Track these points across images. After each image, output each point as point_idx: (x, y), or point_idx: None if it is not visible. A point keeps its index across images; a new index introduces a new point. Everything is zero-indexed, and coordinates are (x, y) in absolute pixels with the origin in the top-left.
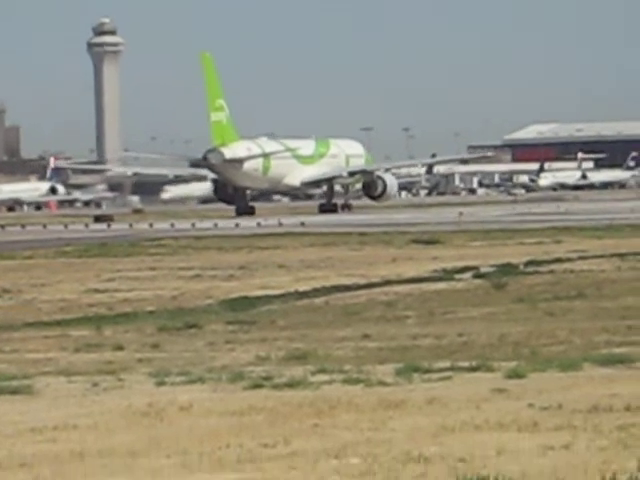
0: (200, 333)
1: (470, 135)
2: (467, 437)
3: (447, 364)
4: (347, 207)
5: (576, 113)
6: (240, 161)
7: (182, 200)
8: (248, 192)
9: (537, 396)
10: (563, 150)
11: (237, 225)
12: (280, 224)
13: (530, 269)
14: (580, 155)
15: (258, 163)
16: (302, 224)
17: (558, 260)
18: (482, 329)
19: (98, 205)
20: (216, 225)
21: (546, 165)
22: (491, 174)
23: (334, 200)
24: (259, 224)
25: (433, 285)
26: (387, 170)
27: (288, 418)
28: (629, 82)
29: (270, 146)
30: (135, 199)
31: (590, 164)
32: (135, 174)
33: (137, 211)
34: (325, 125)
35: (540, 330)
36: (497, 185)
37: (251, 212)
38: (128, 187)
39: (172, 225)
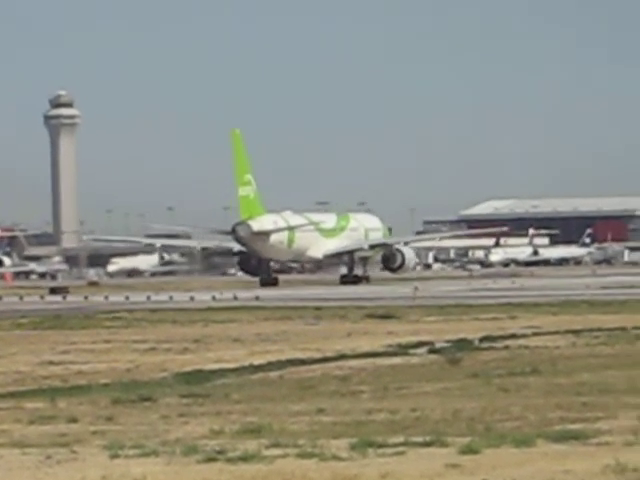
0: (154, 406)
1: (426, 210)
2: None
3: (401, 439)
4: (365, 279)
5: (532, 190)
6: (267, 234)
7: (128, 273)
8: (271, 264)
9: (491, 472)
10: (519, 226)
11: (192, 298)
12: (235, 298)
13: (485, 345)
14: (531, 231)
15: (284, 236)
16: (257, 298)
17: (513, 336)
18: (436, 404)
19: (53, 277)
20: (171, 298)
21: (502, 241)
22: (446, 249)
23: (356, 272)
24: (214, 297)
25: (388, 360)
26: (406, 244)
27: None
28: (586, 159)
29: (295, 219)
30: (91, 271)
31: (546, 240)
32: (164, 246)
33: (92, 283)
34: (281, 199)
35: (494, 406)
36: (452, 260)
37: (274, 283)
38: (83, 259)
39: (127, 298)
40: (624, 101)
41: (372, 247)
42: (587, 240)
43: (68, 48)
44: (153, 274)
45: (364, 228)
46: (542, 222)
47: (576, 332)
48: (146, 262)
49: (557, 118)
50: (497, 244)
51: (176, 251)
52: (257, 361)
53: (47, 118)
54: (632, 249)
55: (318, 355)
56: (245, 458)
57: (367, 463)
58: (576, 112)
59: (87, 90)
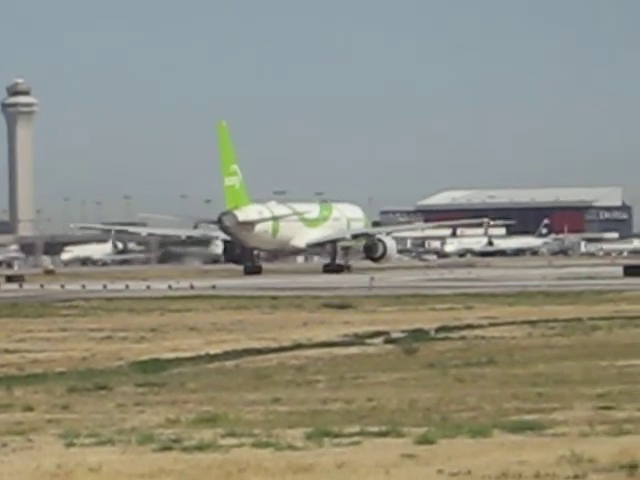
0: (110, 395)
1: (383, 200)
2: None
3: (357, 429)
4: (347, 268)
5: (489, 180)
6: (252, 223)
7: (82, 261)
8: (255, 252)
9: (447, 462)
10: (476, 216)
11: (148, 287)
12: (192, 287)
13: (441, 335)
14: (486, 221)
15: (268, 226)
16: (213, 287)
17: (469, 326)
18: (392, 394)
19: (9, 265)
20: (127, 287)
21: (458, 231)
22: (403, 239)
23: (338, 261)
24: (170, 286)
25: (344, 350)
26: (388, 233)
27: None
28: (543, 150)
29: (279, 210)
30: (47, 259)
31: (502, 231)
32: (150, 234)
33: (49, 272)
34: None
35: (450, 396)
36: (409, 251)
37: (258, 272)
38: (40, 248)
39: (83, 286)
40: (582, 94)
41: (354, 237)
42: (544, 231)
43: (25, 36)
44: (104, 263)
45: (346, 218)
46: (499, 212)
47: (532, 323)
48: (99, 251)
49: (514, 109)
50: (454, 234)
51: (134, 240)
52: (213, 350)
53: (4, 106)
54: (589, 240)
55: (274, 344)
56: (201, 447)
57: (323, 453)
58: (534, 104)
59: (44, 78)
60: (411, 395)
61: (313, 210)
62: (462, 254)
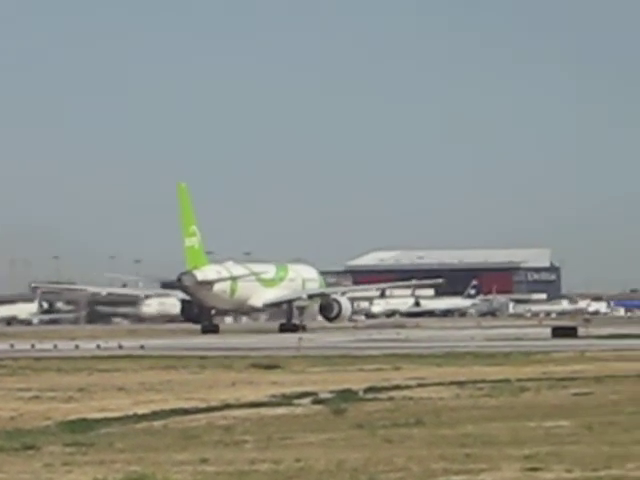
0: (38, 454)
1: (312, 260)
2: None
3: None
4: (303, 327)
5: (417, 241)
6: (211, 283)
7: (7, 321)
8: (212, 312)
9: None
10: (405, 277)
11: (77, 347)
12: (120, 346)
13: (369, 395)
14: (414, 282)
15: (226, 285)
16: (142, 347)
17: (397, 387)
18: (320, 455)
19: None
20: (56, 347)
21: (387, 292)
22: None
23: (293, 320)
24: (99, 346)
25: (272, 410)
26: (343, 294)
27: None
28: (471, 211)
29: (237, 270)
30: None
31: (431, 291)
32: (109, 294)
33: None
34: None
35: (378, 457)
36: None
37: (215, 330)
38: None
39: (12, 346)
40: (510, 155)
41: (310, 297)
42: (472, 292)
43: None
44: (29, 323)
45: (302, 278)
46: (428, 273)
47: (460, 384)
48: (25, 310)
49: (441, 171)
50: (382, 295)
51: (61, 299)
52: (141, 410)
53: None
54: (517, 301)
55: (202, 405)
56: None
57: None
58: (459, 166)
59: None
60: (339, 456)
61: (270, 270)
62: (389, 314)
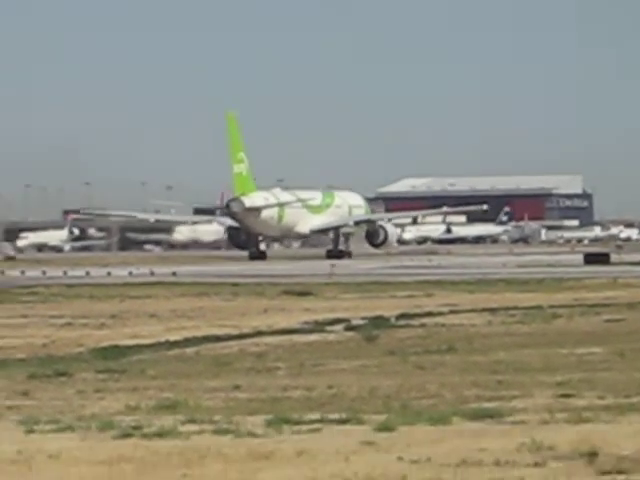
0: (70, 381)
1: (343, 187)
2: None
3: (317, 416)
4: (348, 254)
5: (449, 168)
6: (259, 210)
7: (38, 247)
8: (260, 238)
9: (406, 449)
10: (436, 204)
11: (109, 274)
12: (152, 273)
13: (401, 322)
14: (445, 209)
15: (274, 212)
16: (174, 274)
17: (429, 314)
18: (352, 382)
19: None
20: (88, 273)
21: (419, 218)
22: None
23: (339, 247)
24: (131, 273)
25: (304, 337)
26: (389, 220)
27: (157, 468)
28: (503, 138)
29: (284, 196)
30: (7, 245)
31: (463, 218)
32: (157, 221)
33: (9, 258)
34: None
35: (410, 383)
36: None
37: (263, 257)
38: (0, 234)
39: (44, 273)
40: (542, 84)
41: (357, 223)
42: (504, 218)
43: None
44: (60, 250)
45: (348, 205)
46: (460, 200)
47: (492, 310)
48: (56, 237)
49: (475, 97)
50: (414, 222)
51: (94, 226)
52: (173, 337)
53: None
54: (549, 228)
55: (234, 331)
56: (161, 434)
57: (283, 440)
58: (494, 93)
59: None
60: (371, 382)
61: (316, 197)
62: (421, 241)
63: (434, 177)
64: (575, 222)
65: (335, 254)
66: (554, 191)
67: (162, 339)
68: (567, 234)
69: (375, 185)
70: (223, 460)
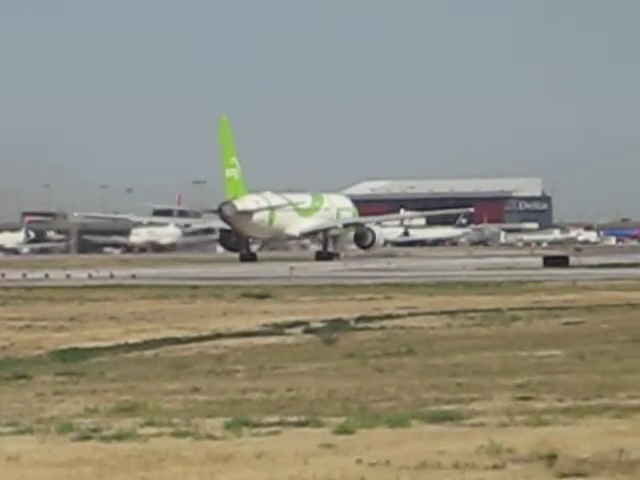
0: (29, 384)
1: (305, 190)
2: None
3: (276, 419)
4: (336, 255)
5: (407, 171)
6: (250, 213)
7: None
8: (250, 241)
9: (365, 452)
10: (396, 207)
11: (68, 276)
12: (112, 276)
13: (361, 325)
14: (402, 212)
15: (265, 215)
16: (133, 276)
17: (388, 316)
18: (311, 384)
19: None
20: (47, 276)
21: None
22: None
23: (329, 249)
24: (90, 275)
25: (263, 339)
26: (377, 223)
27: (116, 470)
28: (463, 141)
29: (275, 200)
30: None
31: (422, 221)
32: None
33: None
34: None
35: (369, 386)
36: None
37: (253, 259)
38: None
39: (2, 275)
40: (503, 87)
41: (346, 226)
42: (463, 221)
43: None
44: (16, 252)
45: (336, 208)
46: (419, 203)
47: (452, 313)
48: (11, 239)
49: (435, 100)
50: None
51: (54, 229)
52: (133, 339)
53: None
54: (508, 230)
55: (194, 334)
56: (119, 436)
57: (242, 442)
58: (452, 94)
59: None
60: (330, 385)
61: (306, 200)
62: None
63: (393, 180)
64: (534, 225)
65: (324, 255)
66: (513, 194)
67: (121, 342)
68: (526, 237)
69: (334, 188)
70: (182, 463)
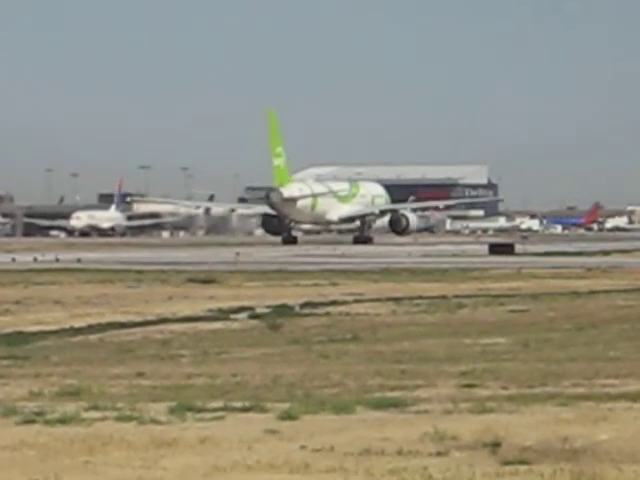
0: None
1: (249, 176)
2: (238, 477)
3: (220, 404)
4: (370, 240)
5: (354, 156)
6: (295, 199)
7: None
8: (292, 225)
9: (309, 438)
10: None
11: (13, 260)
12: (57, 260)
13: (306, 311)
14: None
15: (308, 201)
16: (79, 260)
17: (334, 303)
18: (256, 370)
19: None
20: None
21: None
22: None
23: (365, 233)
24: (36, 259)
25: (208, 324)
26: (412, 209)
27: (59, 454)
28: (410, 128)
29: (317, 187)
30: None
31: None
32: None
33: None
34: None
35: (314, 372)
36: None
37: (294, 242)
38: None
39: None
40: (448, 75)
41: (381, 212)
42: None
43: None
44: None
45: (371, 195)
46: None
47: (397, 300)
48: None
49: (381, 86)
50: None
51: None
52: (77, 324)
53: None
54: (454, 218)
55: (139, 318)
56: (64, 420)
57: (186, 427)
58: (401, 81)
59: None
60: (275, 371)
61: (344, 188)
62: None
63: (339, 166)
64: (480, 212)
65: (361, 240)
66: (460, 181)
67: (66, 326)
68: (472, 224)
69: None
70: (126, 447)
